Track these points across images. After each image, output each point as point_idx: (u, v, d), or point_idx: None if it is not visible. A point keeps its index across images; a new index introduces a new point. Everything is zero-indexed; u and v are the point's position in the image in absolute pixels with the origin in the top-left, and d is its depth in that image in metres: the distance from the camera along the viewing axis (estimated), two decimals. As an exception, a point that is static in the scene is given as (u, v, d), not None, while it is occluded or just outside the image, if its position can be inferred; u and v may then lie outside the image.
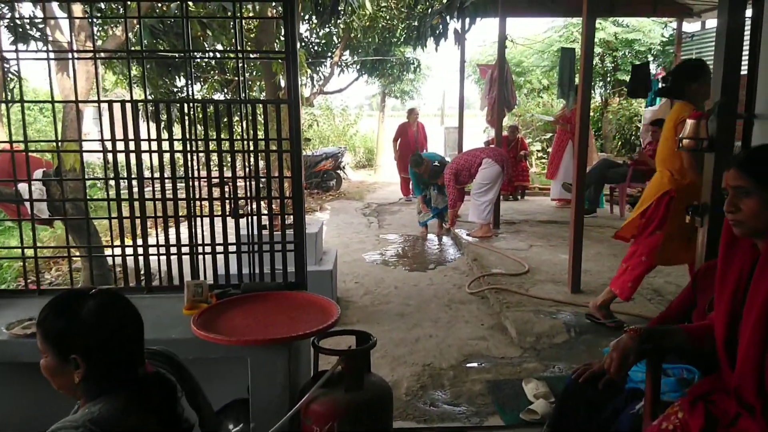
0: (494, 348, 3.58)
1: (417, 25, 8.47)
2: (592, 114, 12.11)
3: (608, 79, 11.02)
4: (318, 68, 10.89)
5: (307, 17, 9.94)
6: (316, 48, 10.74)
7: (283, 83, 8.21)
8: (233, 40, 4.53)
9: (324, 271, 4.01)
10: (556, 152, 7.89)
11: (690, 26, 10.14)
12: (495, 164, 6.00)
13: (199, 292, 2.20)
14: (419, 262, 5.80)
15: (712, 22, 9.17)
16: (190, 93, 2.51)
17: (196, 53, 5.31)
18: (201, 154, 2.54)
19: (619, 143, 10.68)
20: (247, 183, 2.56)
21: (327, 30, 10.31)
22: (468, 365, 3.35)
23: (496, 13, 6.37)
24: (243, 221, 2.48)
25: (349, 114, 15.28)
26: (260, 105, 6.51)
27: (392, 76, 10.07)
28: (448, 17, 6.20)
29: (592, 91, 11.60)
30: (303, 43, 10.62)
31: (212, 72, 8.24)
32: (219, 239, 2.52)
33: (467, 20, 6.66)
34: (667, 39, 9.81)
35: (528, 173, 8.93)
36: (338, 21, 9.76)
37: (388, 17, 9.28)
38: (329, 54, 10.51)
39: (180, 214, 2.99)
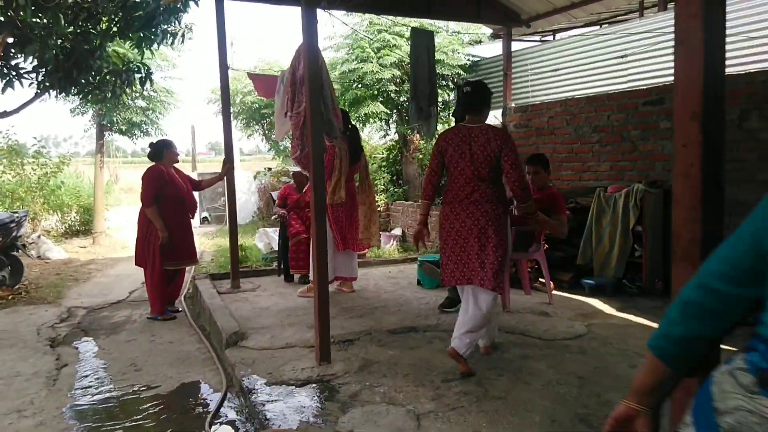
0: None
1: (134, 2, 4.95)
2: (386, 153, 10.02)
3: (403, 110, 9.01)
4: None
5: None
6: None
7: None
8: None
9: None
10: None
11: (488, 50, 8.84)
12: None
13: None
14: None
15: (496, 48, 7.72)
16: None
17: None
18: None
19: (432, 190, 8.61)
20: None
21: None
22: None
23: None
24: None
25: (49, 158, 10.25)
26: None
27: (101, 93, 5.95)
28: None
29: (387, 126, 9.48)
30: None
31: None
32: None
33: None
34: (471, 63, 8.20)
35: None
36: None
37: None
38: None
39: None
